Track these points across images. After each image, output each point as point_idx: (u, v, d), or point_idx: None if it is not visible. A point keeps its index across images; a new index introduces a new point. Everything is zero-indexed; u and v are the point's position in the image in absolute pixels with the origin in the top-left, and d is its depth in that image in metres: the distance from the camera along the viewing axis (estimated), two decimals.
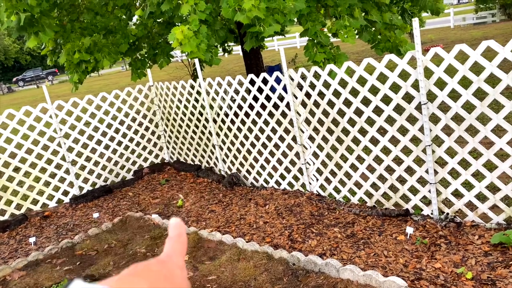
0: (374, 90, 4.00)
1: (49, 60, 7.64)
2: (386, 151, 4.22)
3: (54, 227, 5.47)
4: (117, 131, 6.61)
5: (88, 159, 6.40)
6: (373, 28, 6.43)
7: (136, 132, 6.76)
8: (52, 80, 40.63)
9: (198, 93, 5.87)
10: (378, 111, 4.00)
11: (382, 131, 4.15)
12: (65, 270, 4.25)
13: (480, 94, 4.28)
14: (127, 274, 0.44)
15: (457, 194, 3.90)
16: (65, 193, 6.24)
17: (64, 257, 4.55)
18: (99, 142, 6.48)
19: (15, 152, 5.81)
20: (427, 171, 3.90)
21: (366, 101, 4.03)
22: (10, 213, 5.79)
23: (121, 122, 6.66)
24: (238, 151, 5.71)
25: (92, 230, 5.03)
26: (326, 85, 4.31)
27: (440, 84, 3.58)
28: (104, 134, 6.49)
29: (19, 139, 5.82)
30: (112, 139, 6.58)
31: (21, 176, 5.86)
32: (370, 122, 4.17)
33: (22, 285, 4.08)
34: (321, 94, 4.38)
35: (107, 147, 6.56)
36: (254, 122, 5.32)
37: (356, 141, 4.37)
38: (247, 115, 5.35)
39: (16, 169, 5.89)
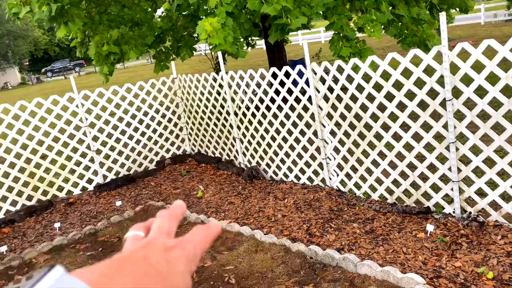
0: (398, 85, 3.94)
1: (78, 51, 7.82)
2: (408, 147, 4.17)
3: (78, 213, 5.63)
4: (141, 122, 6.72)
5: (112, 148, 6.54)
6: (400, 23, 6.32)
7: (159, 123, 6.87)
8: (79, 71, 41.58)
9: (220, 86, 5.91)
10: (401, 106, 3.94)
11: (405, 127, 4.09)
12: (88, 255, 4.38)
13: (508, 92, 4.16)
14: (112, 269, 0.38)
15: (480, 193, 3.82)
16: (89, 181, 6.40)
17: (87, 242, 4.68)
18: (123, 132, 6.61)
19: (43, 140, 5.99)
20: (450, 169, 3.83)
21: (389, 96, 3.97)
22: (37, 199, 5.98)
23: (145, 113, 6.77)
24: (258, 144, 5.73)
25: (114, 218, 5.15)
26: (350, 79, 4.28)
27: (466, 80, 3.50)
28: (128, 124, 6.61)
29: (47, 127, 6.00)
30: (136, 129, 6.70)
31: (48, 163, 6.04)
32: (393, 117, 4.11)
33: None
34: (344, 89, 4.35)
35: (131, 137, 6.69)
36: (275, 116, 5.33)
37: (378, 136, 4.32)
38: (268, 108, 5.36)
39: (43, 157, 6.07)
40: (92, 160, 6.38)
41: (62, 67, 44.17)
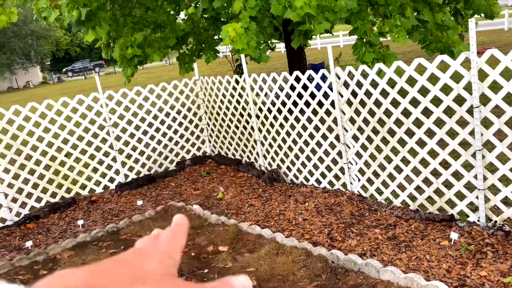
0: (423, 91, 3.92)
1: (104, 53, 7.96)
2: (433, 154, 4.13)
3: (100, 211, 5.73)
4: (162, 122, 6.81)
5: (134, 148, 6.64)
6: (424, 28, 6.26)
7: (180, 124, 6.94)
8: (99, 71, 42.25)
9: (243, 88, 5.95)
10: (426, 112, 3.91)
11: (429, 133, 4.06)
12: (110, 252, 4.45)
13: None
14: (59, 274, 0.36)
15: (506, 202, 3.76)
16: (111, 180, 6.50)
17: (110, 240, 4.76)
18: (145, 133, 6.70)
19: (68, 138, 6.12)
20: (475, 177, 3.78)
21: (414, 102, 3.95)
22: (61, 196, 6.11)
23: (167, 114, 6.86)
24: (279, 147, 5.75)
25: (136, 217, 5.23)
26: (374, 84, 4.27)
27: (494, 87, 3.46)
28: (150, 125, 6.71)
29: (72, 126, 6.12)
30: (157, 130, 6.79)
31: (72, 162, 6.17)
32: (418, 123, 4.09)
33: (71, 264, 4.31)
34: (367, 94, 4.34)
35: (152, 137, 6.78)
36: (297, 119, 5.34)
37: (401, 142, 4.30)
38: (290, 112, 5.38)
39: (68, 155, 6.20)
40: (114, 159, 6.49)
41: (82, 67, 44.99)
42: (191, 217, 5.02)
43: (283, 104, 5.46)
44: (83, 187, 6.34)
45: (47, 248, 4.68)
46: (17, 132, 5.73)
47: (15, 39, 39.39)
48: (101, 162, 6.44)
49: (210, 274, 3.71)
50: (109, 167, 6.51)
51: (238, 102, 6.18)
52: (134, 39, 6.64)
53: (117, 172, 6.54)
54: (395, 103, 4.14)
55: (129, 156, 6.64)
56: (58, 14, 5.84)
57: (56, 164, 6.08)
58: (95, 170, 6.41)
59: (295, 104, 5.30)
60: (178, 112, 6.95)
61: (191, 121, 7.09)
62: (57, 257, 4.51)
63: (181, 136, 7.04)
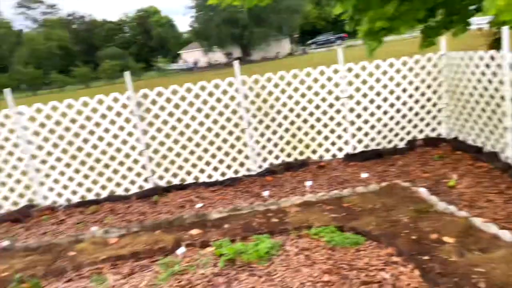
0: None
1: (348, 26, 8.14)
2: None
3: (326, 177, 6.09)
4: (398, 98, 6.60)
5: (365, 121, 6.70)
6: None
7: (416, 101, 6.59)
8: (340, 44, 43.75)
9: (499, 66, 5.13)
10: None
11: None
12: (331, 216, 4.70)
13: None
14: None
15: None
16: (340, 149, 6.78)
17: (332, 205, 5.02)
18: (378, 107, 6.65)
19: (306, 106, 6.65)
20: None
21: None
22: (294, 157, 6.76)
23: (404, 90, 6.60)
24: None
25: (359, 188, 5.33)
26: None
27: None
28: (385, 99, 6.60)
29: (311, 95, 6.61)
30: (391, 105, 6.63)
31: (307, 127, 6.71)
32: None
33: (296, 218, 4.77)
34: None
35: (385, 112, 6.67)
36: None
37: None
38: None
39: (305, 121, 6.76)
40: (345, 130, 6.72)
41: (325, 40, 47.46)
42: (415, 199, 4.80)
43: None
44: (314, 152, 6.83)
45: (279, 201, 5.31)
46: (267, 97, 6.58)
47: (273, 14, 44.54)
48: (332, 131, 6.77)
49: (430, 263, 3.49)
50: (339, 137, 6.78)
51: (489, 81, 5.38)
52: (384, 11, 6.49)
53: (346, 142, 6.77)
54: None
55: (359, 129, 6.74)
56: None
57: (294, 128, 6.72)
58: (326, 138, 6.80)
59: None
60: (416, 89, 6.58)
61: (429, 99, 6.62)
62: (286, 210, 5.06)
63: (416, 114, 6.68)
